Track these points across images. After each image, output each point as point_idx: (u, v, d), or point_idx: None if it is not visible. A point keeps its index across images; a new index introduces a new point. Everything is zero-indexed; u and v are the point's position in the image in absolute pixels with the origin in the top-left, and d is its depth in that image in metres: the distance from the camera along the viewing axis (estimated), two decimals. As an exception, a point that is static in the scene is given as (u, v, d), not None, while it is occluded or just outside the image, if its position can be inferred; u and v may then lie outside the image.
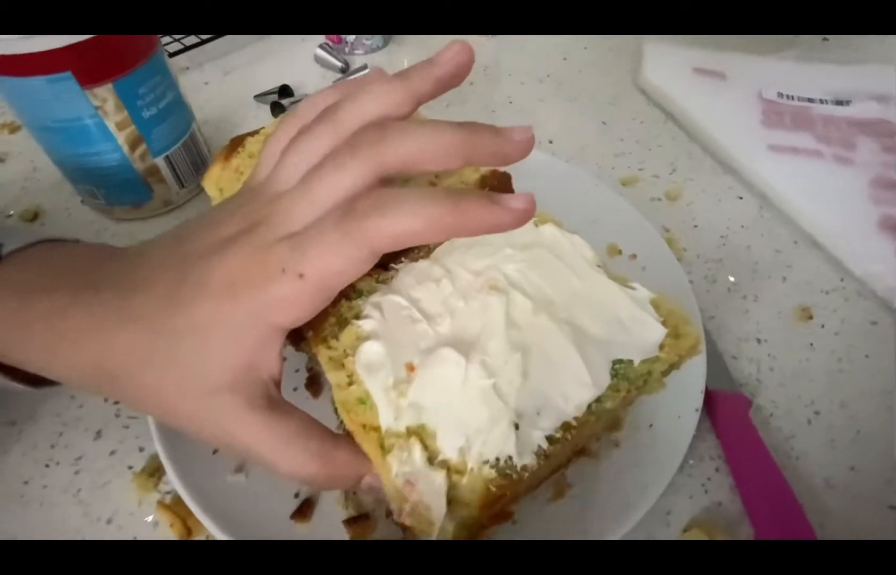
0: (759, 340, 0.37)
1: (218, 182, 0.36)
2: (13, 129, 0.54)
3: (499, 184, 0.35)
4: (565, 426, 0.24)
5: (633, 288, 0.29)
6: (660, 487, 0.28)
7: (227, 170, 0.36)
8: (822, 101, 0.51)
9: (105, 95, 0.37)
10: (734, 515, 0.30)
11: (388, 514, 0.28)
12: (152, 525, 0.30)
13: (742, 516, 0.30)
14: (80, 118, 0.37)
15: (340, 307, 0.29)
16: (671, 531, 0.30)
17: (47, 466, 0.32)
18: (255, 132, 0.39)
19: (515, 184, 0.39)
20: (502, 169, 0.35)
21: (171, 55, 0.59)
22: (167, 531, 0.29)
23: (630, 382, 0.26)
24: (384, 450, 0.24)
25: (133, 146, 0.40)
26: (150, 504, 0.30)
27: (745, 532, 0.30)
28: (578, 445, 0.29)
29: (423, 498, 0.23)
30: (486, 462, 0.23)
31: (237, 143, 0.38)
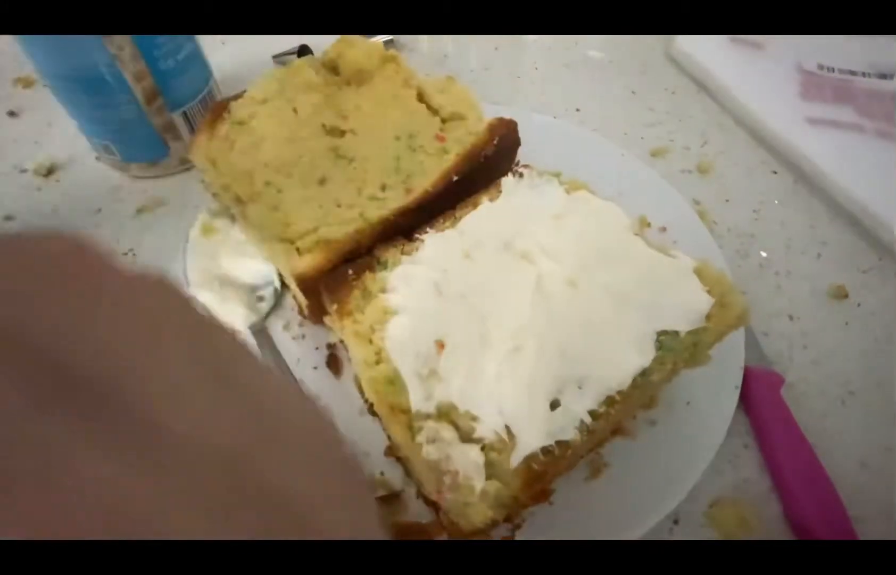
0: (791, 317, 0.36)
1: (207, 152, 0.34)
2: (28, 83, 0.53)
3: (507, 131, 0.34)
4: (609, 400, 0.23)
5: (674, 256, 0.27)
6: (699, 469, 0.27)
7: (216, 139, 0.34)
8: (864, 75, 0.48)
9: (122, 43, 0.36)
10: (762, 492, 0.29)
11: (419, 494, 0.28)
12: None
13: (770, 493, 0.29)
14: (96, 66, 0.36)
15: (365, 279, 0.28)
16: (698, 506, 0.29)
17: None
18: (239, 95, 0.36)
19: (543, 154, 0.37)
20: (507, 116, 0.35)
21: (188, 12, 0.57)
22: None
23: (676, 353, 0.24)
24: (413, 431, 0.23)
25: (149, 99, 0.39)
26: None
27: (774, 509, 0.29)
28: (620, 421, 0.28)
29: (462, 470, 0.22)
30: (527, 440, 0.22)
31: (220, 108, 0.35)
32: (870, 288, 0.37)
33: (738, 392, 0.30)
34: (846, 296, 0.37)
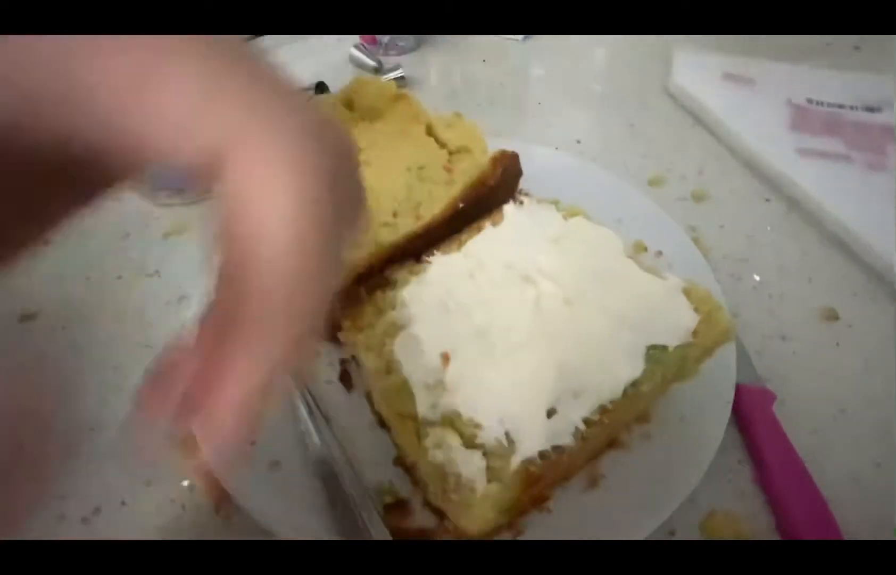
0: (784, 338, 0.37)
1: None
2: (65, 117, 0.57)
3: (509, 163, 0.37)
4: (602, 409, 0.25)
5: (664, 278, 0.29)
6: (694, 480, 0.29)
7: None
8: (852, 108, 0.51)
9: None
10: (756, 506, 0.30)
11: (425, 501, 0.29)
12: (188, 489, 0.31)
13: (764, 506, 0.30)
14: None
15: (376, 297, 0.31)
16: (694, 517, 0.30)
17: (92, 429, 0.34)
18: None
19: (545, 183, 0.40)
20: (511, 148, 0.37)
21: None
22: (202, 496, 0.31)
23: (665, 366, 0.26)
24: (420, 437, 0.25)
25: (179, 133, 0.43)
26: (186, 469, 0.32)
27: (767, 522, 0.30)
28: (614, 431, 0.30)
29: (465, 474, 0.23)
30: (525, 445, 0.24)
31: None
32: (860, 310, 0.39)
33: (729, 407, 0.31)
34: (837, 318, 0.38)
